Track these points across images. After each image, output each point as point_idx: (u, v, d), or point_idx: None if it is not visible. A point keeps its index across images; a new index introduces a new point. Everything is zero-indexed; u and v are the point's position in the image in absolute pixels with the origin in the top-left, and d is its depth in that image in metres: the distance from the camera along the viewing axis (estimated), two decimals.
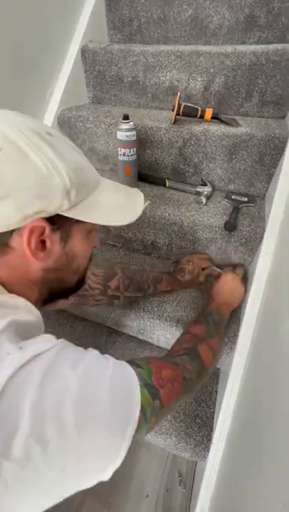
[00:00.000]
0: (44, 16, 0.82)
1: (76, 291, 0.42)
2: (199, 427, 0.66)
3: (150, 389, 0.31)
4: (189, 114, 0.81)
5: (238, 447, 0.53)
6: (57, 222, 0.32)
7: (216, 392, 0.73)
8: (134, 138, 0.76)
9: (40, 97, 0.89)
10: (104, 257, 0.87)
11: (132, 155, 0.78)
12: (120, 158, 0.79)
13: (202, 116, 0.82)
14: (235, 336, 0.66)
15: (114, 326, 0.83)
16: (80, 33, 0.97)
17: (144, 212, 0.77)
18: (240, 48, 0.80)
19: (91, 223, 0.34)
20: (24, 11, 0.75)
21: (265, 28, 0.90)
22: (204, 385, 0.73)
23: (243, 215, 0.75)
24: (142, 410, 0.27)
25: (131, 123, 0.74)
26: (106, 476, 0.25)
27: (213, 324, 0.57)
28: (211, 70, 0.84)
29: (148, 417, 0.29)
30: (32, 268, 0.33)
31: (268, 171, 0.77)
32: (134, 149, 0.78)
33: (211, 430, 0.65)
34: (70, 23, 0.94)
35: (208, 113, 0.80)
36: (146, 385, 0.30)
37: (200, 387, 0.45)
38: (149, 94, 0.97)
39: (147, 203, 0.40)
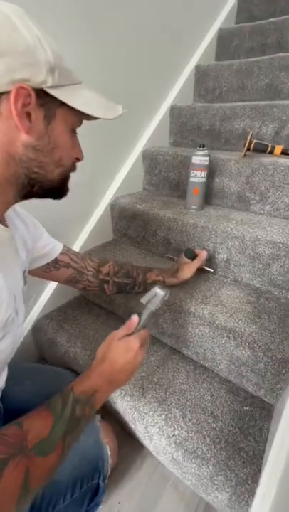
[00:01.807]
0: (146, 80, 1.10)
1: (59, 194, 0.44)
2: (244, 461, 0.55)
3: None
4: (259, 149, 0.90)
5: None
6: (42, 99, 0.34)
7: (268, 430, 0.61)
8: (206, 163, 0.87)
9: (133, 137, 1.12)
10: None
11: (202, 177, 0.88)
12: (191, 179, 0.90)
13: (272, 152, 0.89)
14: None
15: (159, 334, 0.82)
16: (172, 97, 1.23)
17: (206, 226, 0.83)
18: None
19: (75, 119, 0.38)
20: (132, 74, 1.03)
21: None
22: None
23: None
24: None
25: (205, 150, 0.86)
26: None
27: (67, 423, 0.39)
28: (283, 118, 0.95)
29: None
30: (15, 139, 0.34)
31: None
32: (205, 173, 0.88)
33: (259, 471, 0.53)
34: (164, 90, 1.22)
35: (278, 149, 0.88)
36: None
37: None
38: (223, 139, 1.12)
39: (126, 110, 0.41)
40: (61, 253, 0.64)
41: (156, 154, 1.10)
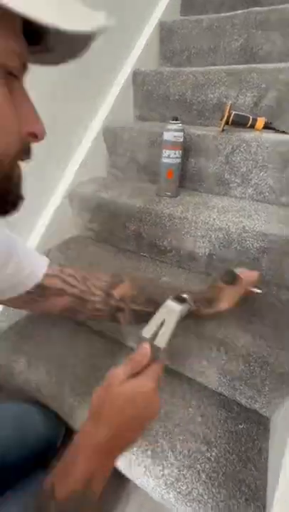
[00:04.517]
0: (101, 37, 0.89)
1: (2, 207, 0.25)
2: (246, 499, 0.47)
3: None
4: (239, 122, 0.77)
5: None
6: None
7: (266, 450, 0.54)
8: (181, 139, 0.72)
9: (89, 109, 0.93)
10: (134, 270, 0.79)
11: (176, 157, 0.74)
12: (164, 160, 0.75)
13: (253, 126, 0.77)
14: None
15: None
16: (133, 61, 1.04)
17: (185, 217, 0.70)
18: None
19: (9, 49, 0.20)
20: None
21: None
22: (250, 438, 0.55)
23: None
24: None
25: (180, 124, 0.71)
26: None
27: None
28: (263, 85, 0.83)
29: None
30: None
31: None
32: (180, 152, 0.74)
33: (263, 507, 0.46)
34: (124, 50, 1.02)
35: (260, 122, 0.76)
36: None
37: None
38: (195, 111, 0.97)
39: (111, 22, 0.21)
40: (48, 276, 0.45)
41: (119, 131, 0.92)
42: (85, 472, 0.29)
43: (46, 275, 0.44)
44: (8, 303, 0.45)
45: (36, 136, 0.24)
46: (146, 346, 0.35)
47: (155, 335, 0.34)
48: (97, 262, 0.80)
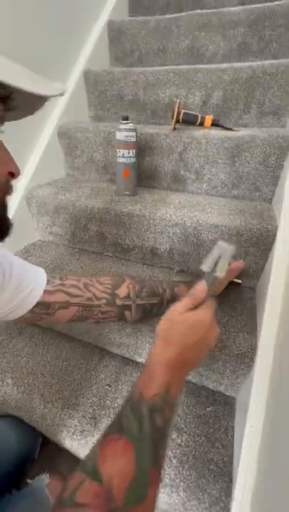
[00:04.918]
0: (49, 35, 0.87)
1: None
2: (214, 476, 0.50)
3: None
4: (189, 120, 0.81)
5: (272, 507, 0.38)
6: None
7: (232, 427, 0.58)
8: (133, 139, 0.74)
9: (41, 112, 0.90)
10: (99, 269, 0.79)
11: (131, 156, 0.75)
12: (119, 160, 0.76)
13: (202, 124, 0.81)
14: (253, 350, 0.54)
15: (106, 345, 0.71)
16: (83, 60, 1.03)
17: (143, 215, 0.72)
18: (237, 64, 0.84)
19: None
20: (30, 31, 0.79)
21: (258, 53, 0.95)
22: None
23: None
24: None
25: (130, 124, 0.72)
26: None
27: (151, 443, 0.30)
28: (209, 85, 0.87)
29: None
30: None
31: (274, 173, 0.74)
32: (134, 151, 0.75)
33: (230, 481, 0.49)
34: (73, 51, 1.01)
35: (208, 120, 0.80)
36: None
37: None
38: (149, 111, 0.99)
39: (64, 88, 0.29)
40: (49, 292, 0.45)
41: (74, 131, 0.91)
42: (164, 380, 0.35)
43: (47, 292, 0.45)
44: (19, 321, 0.44)
45: (13, 175, 0.31)
46: (204, 283, 0.41)
47: (213, 268, 0.40)
48: (61, 266, 0.79)
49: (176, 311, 0.40)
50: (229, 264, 0.44)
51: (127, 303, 0.51)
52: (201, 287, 0.41)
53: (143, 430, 0.31)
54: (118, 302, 0.50)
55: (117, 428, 0.31)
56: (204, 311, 0.40)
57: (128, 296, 0.51)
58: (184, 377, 0.39)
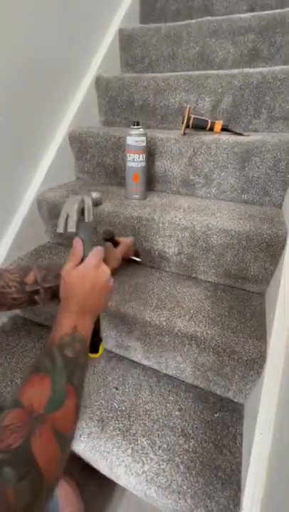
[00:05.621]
0: (64, 44, 0.89)
1: None
2: (222, 483, 0.49)
3: None
4: (199, 125, 0.81)
5: None
6: None
7: (241, 434, 0.57)
8: (143, 144, 0.74)
9: (54, 115, 0.92)
10: None
11: (141, 161, 0.76)
12: (129, 164, 0.77)
13: (212, 129, 0.82)
14: (262, 356, 0.54)
15: (114, 348, 0.71)
16: (95, 67, 1.05)
17: (152, 218, 0.72)
18: (247, 69, 0.84)
19: None
20: (47, 40, 0.82)
21: (268, 59, 0.96)
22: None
23: None
24: None
25: (141, 129, 0.73)
26: None
27: (65, 370, 0.36)
28: (219, 90, 0.87)
29: None
30: None
31: (284, 178, 0.73)
32: (144, 155, 0.76)
33: (239, 489, 0.48)
34: (85, 57, 1.03)
35: (218, 125, 0.80)
36: None
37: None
38: (159, 116, 1.00)
39: None
40: None
41: (85, 136, 0.93)
42: (69, 323, 0.40)
43: None
44: None
45: None
46: (78, 241, 0.45)
47: (66, 227, 0.41)
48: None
49: (65, 271, 0.44)
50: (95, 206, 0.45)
51: (35, 288, 0.56)
52: (75, 242, 0.45)
53: (55, 363, 0.36)
54: (27, 288, 0.56)
55: (33, 370, 0.36)
56: (89, 259, 0.44)
57: (35, 282, 0.56)
58: (92, 320, 0.44)
